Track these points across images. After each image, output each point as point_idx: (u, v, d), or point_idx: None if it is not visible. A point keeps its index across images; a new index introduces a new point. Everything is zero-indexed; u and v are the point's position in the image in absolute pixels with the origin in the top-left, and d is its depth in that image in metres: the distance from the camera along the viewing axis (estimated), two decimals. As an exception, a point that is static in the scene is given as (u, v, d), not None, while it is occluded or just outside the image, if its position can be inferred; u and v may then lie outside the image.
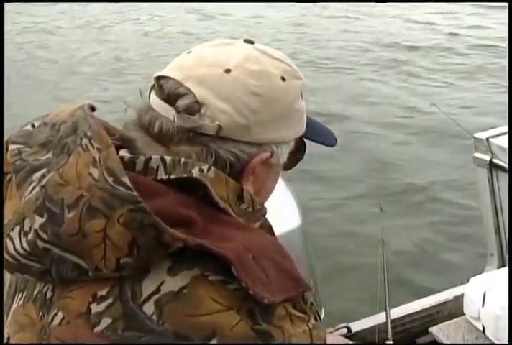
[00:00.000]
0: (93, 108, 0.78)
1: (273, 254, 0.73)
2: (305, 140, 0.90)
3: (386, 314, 2.14)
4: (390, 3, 12.25)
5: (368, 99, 7.43)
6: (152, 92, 0.80)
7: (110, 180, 0.67)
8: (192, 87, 0.77)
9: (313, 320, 0.74)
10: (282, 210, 1.99)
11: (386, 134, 6.40)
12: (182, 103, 0.76)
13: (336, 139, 0.96)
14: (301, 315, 0.72)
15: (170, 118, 0.77)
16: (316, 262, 2.17)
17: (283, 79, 0.80)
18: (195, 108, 0.76)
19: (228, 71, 0.78)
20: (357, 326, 2.33)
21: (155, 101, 0.79)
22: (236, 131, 0.77)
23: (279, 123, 0.81)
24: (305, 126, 0.87)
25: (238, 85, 0.77)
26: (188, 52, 0.83)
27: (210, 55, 0.80)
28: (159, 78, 0.79)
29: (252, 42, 0.84)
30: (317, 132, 0.92)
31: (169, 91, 0.77)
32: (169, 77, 0.78)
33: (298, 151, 0.89)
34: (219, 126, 0.76)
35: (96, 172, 0.68)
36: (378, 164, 5.64)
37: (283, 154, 0.84)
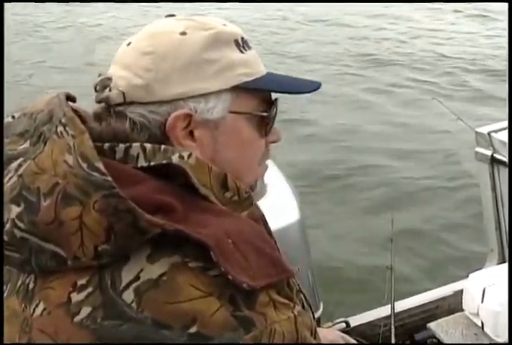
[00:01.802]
0: (69, 97, 0.80)
1: (254, 240, 0.72)
2: (272, 98, 0.87)
3: (391, 307, 2.13)
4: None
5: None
6: None
7: (84, 165, 0.67)
8: (110, 69, 0.82)
9: (299, 307, 0.72)
10: (282, 204, 1.99)
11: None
12: (96, 81, 0.81)
13: (315, 88, 0.87)
14: (286, 301, 0.71)
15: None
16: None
17: (183, 33, 0.79)
18: (106, 83, 0.80)
19: (129, 44, 0.82)
20: (355, 321, 2.32)
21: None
22: (137, 92, 0.78)
23: (183, 76, 0.78)
24: (243, 78, 0.81)
25: (132, 51, 0.81)
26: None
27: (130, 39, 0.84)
28: None
29: (173, 15, 0.85)
30: (275, 83, 0.86)
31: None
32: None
33: (261, 108, 0.84)
34: (122, 92, 0.78)
35: (70, 159, 0.68)
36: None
37: (213, 108, 0.79)
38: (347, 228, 4.54)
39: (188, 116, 0.78)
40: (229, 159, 0.83)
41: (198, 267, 0.67)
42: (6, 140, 0.76)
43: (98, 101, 0.80)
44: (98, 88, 0.80)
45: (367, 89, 7.86)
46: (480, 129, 2.49)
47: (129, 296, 0.66)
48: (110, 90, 0.79)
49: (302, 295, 0.81)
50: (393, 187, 5.15)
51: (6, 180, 0.71)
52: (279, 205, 1.93)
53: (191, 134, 0.80)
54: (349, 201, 4.99)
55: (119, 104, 0.79)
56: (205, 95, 0.79)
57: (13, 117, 0.80)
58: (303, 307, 0.77)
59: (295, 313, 0.71)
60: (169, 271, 0.66)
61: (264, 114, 0.85)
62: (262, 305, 0.68)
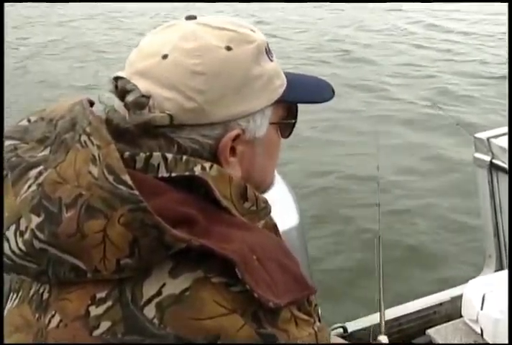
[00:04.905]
0: (91, 103, 0.75)
1: (278, 255, 0.70)
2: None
3: (380, 314, 2.12)
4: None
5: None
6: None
7: (110, 178, 0.65)
8: (137, 82, 0.74)
9: (318, 323, 0.72)
10: (281, 209, 1.95)
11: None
12: (129, 99, 0.73)
13: (332, 91, 0.87)
14: (306, 317, 0.70)
15: (125, 116, 0.74)
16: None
17: (228, 48, 0.75)
18: (142, 101, 0.73)
19: (165, 57, 0.74)
20: (352, 326, 2.31)
21: (115, 101, 0.75)
22: (188, 116, 0.73)
23: (236, 95, 0.74)
24: (280, 89, 0.79)
25: (177, 69, 0.73)
26: (136, 46, 0.79)
27: (146, 45, 0.77)
28: (115, 79, 0.77)
29: (194, 18, 0.78)
30: (302, 90, 0.84)
31: (120, 90, 0.75)
32: (120, 77, 0.76)
33: (288, 115, 0.83)
34: (170, 115, 0.72)
35: (95, 170, 0.65)
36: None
37: (260, 126, 0.77)
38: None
39: (237, 136, 0.76)
40: (263, 167, 0.83)
41: (221, 282, 0.65)
42: (24, 145, 0.74)
43: (136, 124, 0.73)
44: (130, 106, 0.73)
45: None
46: (478, 135, 2.49)
47: (150, 311, 0.64)
48: (149, 110, 0.73)
49: (317, 309, 0.80)
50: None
51: (25, 188, 0.68)
52: (278, 209, 1.91)
53: (232, 149, 0.77)
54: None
55: (160, 125, 0.73)
56: (252, 113, 0.77)
57: (29, 121, 0.77)
58: (319, 320, 0.76)
59: (316, 329, 0.70)
60: (192, 286, 0.65)
61: (293, 121, 0.84)
62: (284, 322, 0.67)
